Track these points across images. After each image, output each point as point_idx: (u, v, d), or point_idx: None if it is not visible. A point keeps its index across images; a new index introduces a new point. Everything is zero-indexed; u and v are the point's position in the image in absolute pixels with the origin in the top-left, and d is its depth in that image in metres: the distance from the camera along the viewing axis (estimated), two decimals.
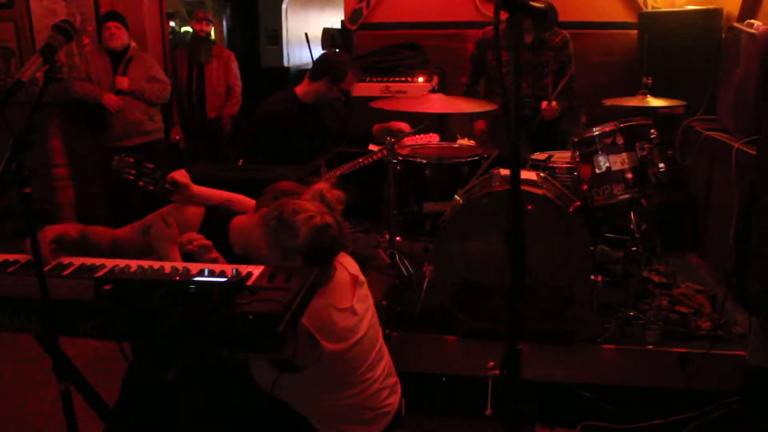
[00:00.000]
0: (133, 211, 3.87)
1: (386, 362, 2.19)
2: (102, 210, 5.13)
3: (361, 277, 2.16)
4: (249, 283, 1.73)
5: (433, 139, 3.85)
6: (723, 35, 4.14)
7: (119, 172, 2.21)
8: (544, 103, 3.94)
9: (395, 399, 2.18)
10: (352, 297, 2.07)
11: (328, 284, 2.02)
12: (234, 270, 1.75)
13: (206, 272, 1.72)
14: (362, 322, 2.07)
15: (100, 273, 1.84)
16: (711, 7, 4.42)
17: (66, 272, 1.88)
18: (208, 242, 1.99)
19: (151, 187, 2.21)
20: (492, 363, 1.75)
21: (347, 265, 2.16)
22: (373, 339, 2.13)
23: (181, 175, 2.25)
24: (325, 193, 2.01)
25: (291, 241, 1.91)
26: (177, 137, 5.62)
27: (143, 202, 2.35)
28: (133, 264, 1.89)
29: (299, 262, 1.91)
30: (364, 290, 2.16)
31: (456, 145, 3.79)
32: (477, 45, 4.20)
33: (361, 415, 2.07)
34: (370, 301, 2.18)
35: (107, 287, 1.59)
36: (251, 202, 2.21)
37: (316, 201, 1.99)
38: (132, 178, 2.21)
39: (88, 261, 1.96)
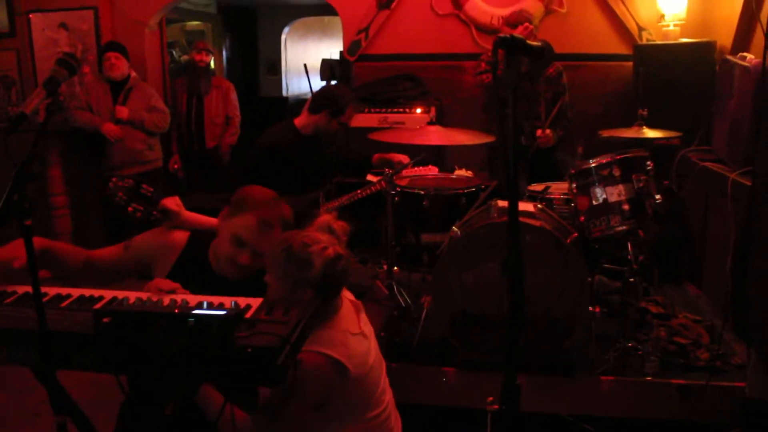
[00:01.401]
0: None
1: (390, 393, 2.20)
2: (100, 239, 5.13)
3: (358, 301, 2.19)
4: (247, 315, 1.73)
5: (432, 171, 3.88)
6: (717, 68, 4.20)
7: (112, 195, 2.20)
8: (539, 131, 3.97)
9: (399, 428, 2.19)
10: (358, 322, 2.08)
11: (338, 313, 2.03)
12: (233, 303, 1.75)
13: (205, 305, 1.72)
14: (371, 345, 2.10)
15: (99, 305, 1.84)
16: (704, 40, 4.49)
17: (64, 304, 1.88)
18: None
19: (138, 215, 2.19)
20: (491, 398, 1.74)
21: (345, 293, 2.16)
22: (381, 361, 2.15)
23: (172, 203, 2.25)
24: (331, 224, 2.03)
25: (303, 272, 1.91)
26: (176, 166, 5.64)
27: (141, 232, 2.37)
28: (132, 296, 1.89)
29: (310, 293, 1.91)
30: (364, 315, 2.17)
31: (453, 176, 3.81)
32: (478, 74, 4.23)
33: None
34: (370, 325, 2.19)
35: (106, 320, 1.59)
36: None
37: (324, 232, 2.00)
38: (122, 203, 2.19)
39: (87, 292, 1.96)
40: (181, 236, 2.25)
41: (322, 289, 1.93)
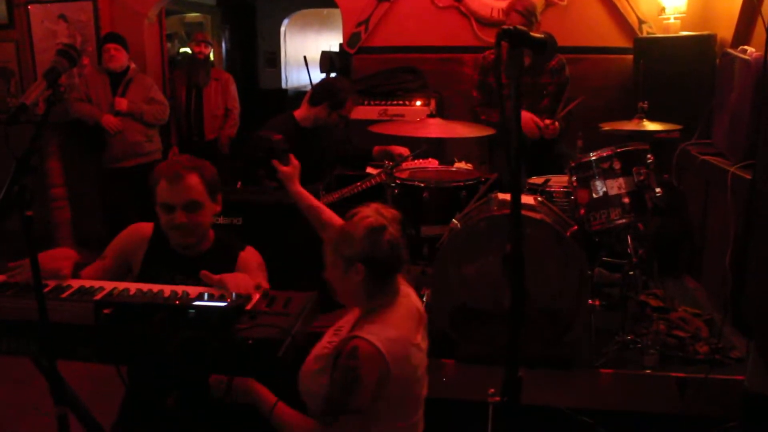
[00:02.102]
0: None
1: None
2: (99, 230, 5.12)
3: (425, 316, 2.10)
4: (248, 307, 1.73)
5: (432, 164, 3.87)
6: (717, 61, 4.19)
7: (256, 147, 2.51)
8: (548, 121, 3.94)
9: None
10: (417, 332, 2.02)
11: (400, 310, 1.99)
12: (234, 294, 1.75)
13: (206, 296, 1.72)
14: (423, 361, 2.02)
15: (99, 296, 1.84)
16: (705, 33, 4.47)
17: (65, 295, 1.88)
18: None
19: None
20: (492, 390, 1.74)
21: (414, 298, 2.11)
22: (425, 376, 2.06)
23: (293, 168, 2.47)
24: (381, 209, 2.01)
25: (349, 246, 1.92)
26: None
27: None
28: (132, 287, 1.89)
29: (360, 269, 1.89)
30: (424, 329, 2.08)
31: (453, 169, 3.81)
32: (480, 70, 4.19)
33: None
34: (427, 340, 2.09)
35: (107, 311, 1.59)
36: (338, 220, 2.29)
37: (371, 211, 2.00)
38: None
39: (87, 283, 1.96)
40: (146, 228, 2.31)
41: (371, 263, 1.90)
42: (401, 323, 1.95)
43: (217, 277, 1.90)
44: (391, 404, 1.89)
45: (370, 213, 1.97)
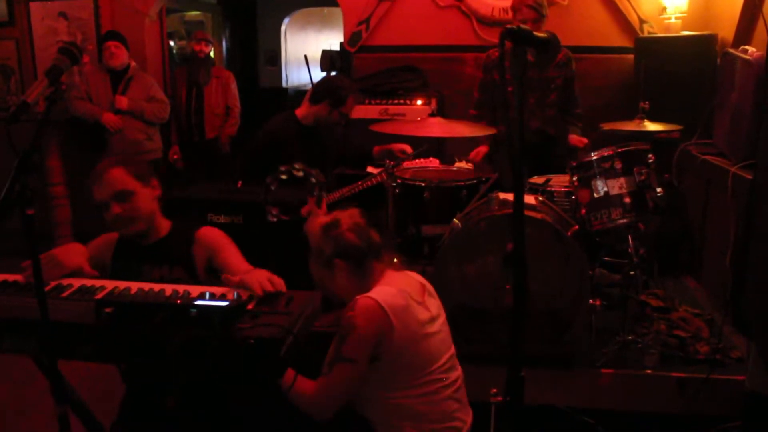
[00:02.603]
0: None
1: (460, 377, 2.22)
2: (98, 229, 5.10)
3: (431, 288, 2.27)
4: (250, 307, 1.73)
5: (432, 163, 3.86)
6: (718, 61, 4.19)
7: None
8: (586, 140, 3.98)
9: (466, 418, 2.19)
10: (423, 295, 2.18)
11: (397, 278, 2.17)
12: (235, 294, 1.74)
13: (207, 296, 1.72)
14: (435, 322, 2.15)
15: (100, 295, 1.84)
16: (706, 33, 4.47)
17: (65, 294, 1.88)
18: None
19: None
20: (495, 390, 1.74)
21: (414, 275, 2.29)
22: (446, 342, 2.20)
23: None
24: (336, 211, 2.25)
25: (320, 252, 2.16)
26: (175, 157, 5.63)
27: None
28: (134, 286, 1.89)
29: (342, 265, 2.12)
30: (436, 300, 2.26)
31: (454, 168, 3.80)
32: (485, 68, 4.13)
33: (427, 423, 2.07)
34: (443, 313, 2.26)
35: (108, 310, 1.59)
36: None
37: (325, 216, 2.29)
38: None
39: (88, 282, 1.96)
40: (113, 233, 2.42)
41: (345, 255, 2.12)
42: (399, 283, 2.13)
43: (236, 278, 1.93)
44: (400, 363, 2.01)
45: (323, 217, 2.24)
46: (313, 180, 2.85)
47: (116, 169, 2.26)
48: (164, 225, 2.37)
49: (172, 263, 2.28)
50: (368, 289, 2.08)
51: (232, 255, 2.26)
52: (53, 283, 1.94)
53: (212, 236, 2.33)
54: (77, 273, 2.09)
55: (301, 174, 2.90)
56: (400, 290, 2.08)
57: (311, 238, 2.19)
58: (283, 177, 2.85)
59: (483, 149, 3.84)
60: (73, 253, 2.15)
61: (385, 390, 2.04)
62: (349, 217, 2.20)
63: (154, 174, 2.38)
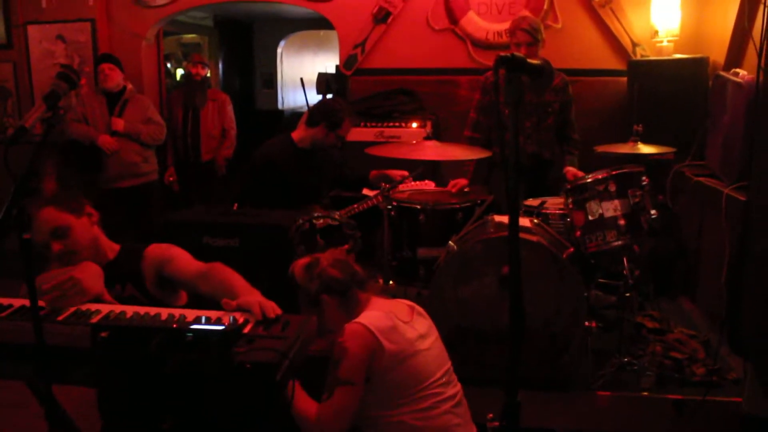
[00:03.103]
0: None
1: (459, 393, 2.27)
2: None
3: (421, 309, 2.36)
4: (245, 331, 1.73)
5: (428, 186, 3.88)
6: (710, 83, 4.23)
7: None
8: (572, 172, 3.95)
9: None
10: (411, 316, 2.27)
11: (382, 303, 2.27)
12: (231, 318, 1.74)
13: (203, 320, 1.71)
14: (425, 339, 2.23)
15: (96, 319, 1.83)
16: (698, 56, 4.52)
17: (61, 317, 1.87)
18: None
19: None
20: (491, 415, 1.75)
21: (403, 301, 2.40)
22: (439, 360, 2.25)
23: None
24: (314, 254, 2.40)
25: (307, 292, 2.27)
26: (171, 179, 5.64)
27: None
28: (129, 310, 1.89)
29: (329, 300, 2.23)
30: (426, 320, 2.34)
31: (449, 191, 3.81)
32: (483, 89, 4.08)
33: None
34: (435, 331, 2.33)
35: (103, 334, 1.58)
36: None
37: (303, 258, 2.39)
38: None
39: (83, 306, 1.95)
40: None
41: (330, 290, 2.24)
42: (384, 307, 2.23)
43: (234, 302, 1.92)
44: (393, 380, 2.09)
45: (304, 258, 2.35)
46: (349, 231, 2.94)
47: (46, 209, 2.23)
48: (113, 247, 2.39)
49: (123, 281, 2.29)
50: (356, 317, 2.17)
51: (181, 260, 2.27)
52: (48, 308, 1.93)
53: (160, 250, 2.34)
54: (96, 300, 2.05)
55: (336, 223, 3.06)
56: (385, 313, 2.18)
57: (298, 280, 2.31)
58: (318, 222, 2.93)
59: (462, 182, 3.82)
60: (95, 278, 2.11)
61: (383, 409, 2.10)
62: (330, 254, 2.34)
63: (86, 200, 2.36)
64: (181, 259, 2.28)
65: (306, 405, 2.07)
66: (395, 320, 2.17)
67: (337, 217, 3.10)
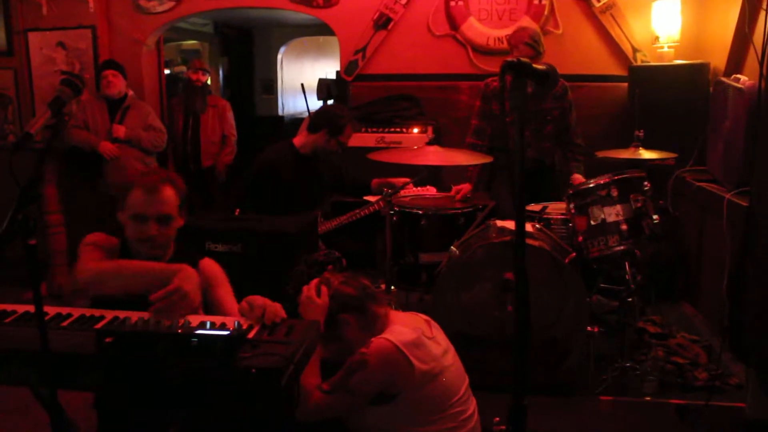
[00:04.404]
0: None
1: (475, 410, 2.25)
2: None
3: (434, 322, 2.32)
4: (250, 336, 1.73)
5: (429, 191, 3.88)
6: (711, 89, 4.24)
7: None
8: (578, 180, 3.95)
9: None
10: (431, 330, 2.24)
11: (401, 318, 2.24)
12: (236, 323, 1.74)
13: (208, 325, 1.71)
14: (447, 354, 2.21)
15: (101, 324, 1.83)
16: (698, 61, 4.54)
17: (65, 323, 1.87)
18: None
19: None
20: (497, 419, 1.75)
21: (418, 315, 2.36)
22: (461, 374, 2.24)
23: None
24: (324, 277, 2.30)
25: (332, 308, 2.18)
26: None
27: None
28: (134, 315, 1.88)
29: (348, 319, 2.17)
30: (441, 332, 2.30)
31: (451, 196, 3.82)
32: (484, 97, 4.08)
33: None
34: (450, 344, 2.30)
35: (109, 340, 1.58)
36: None
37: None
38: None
39: (88, 312, 1.95)
40: (110, 238, 2.24)
41: (347, 309, 2.17)
42: (408, 322, 2.20)
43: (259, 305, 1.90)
44: (422, 398, 2.07)
45: (311, 287, 2.23)
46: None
47: (169, 189, 2.16)
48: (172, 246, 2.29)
49: None
50: (380, 333, 2.13)
51: (226, 293, 2.23)
52: (52, 313, 1.93)
53: (213, 269, 2.28)
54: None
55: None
56: (412, 329, 2.14)
57: (312, 315, 2.16)
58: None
59: (466, 187, 3.83)
60: (197, 292, 2.03)
61: (409, 425, 2.08)
62: (334, 275, 2.29)
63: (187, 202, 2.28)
64: (226, 291, 2.23)
65: (311, 378, 2.03)
66: (422, 336, 2.13)
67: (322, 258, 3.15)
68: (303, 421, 1.98)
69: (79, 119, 5.05)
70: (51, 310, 1.94)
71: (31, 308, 1.88)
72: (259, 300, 1.91)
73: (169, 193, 2.16)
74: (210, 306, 2.20)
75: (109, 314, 1.91)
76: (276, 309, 1.89)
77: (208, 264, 2.29)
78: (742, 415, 2.79)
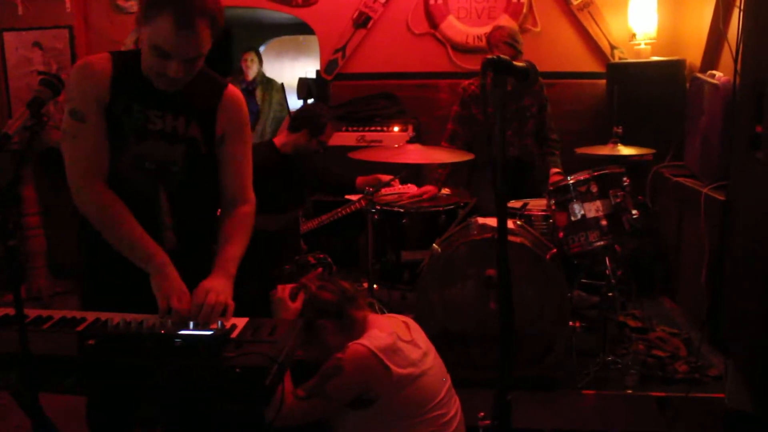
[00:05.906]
0: None
1: (459, 411, 2.25)
2: (73, 260, 5.03)
3: (414, 324, 2.33)
4: (233, 335, 1.72)
5: (410, 189, 3.89)
6: (687, 85, 4.30)
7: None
8: (554, 173, 4.03)
9: None
10: (410, 333, 2.23)
11: (380, 321, 2.23)
12: (219, 323, 1.74)
13: (191, 325, 1.70)
14: (427, 357, 2.20)
15: (82, 326, 1.81)
16: (675, 58, 4.60)
17: (46, 326, 1.85)
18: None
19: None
20: (482, 413, 1.76)
21: (397, 316, 2.39)
22: (440, 377, 2.23)
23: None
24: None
25: (306, 311, 2.19)
26: None
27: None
28: (116, 317, 1.87)
29: (326, 324, 2.18)
30: (421, 333, 2.30)
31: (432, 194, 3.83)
32: (462, 102, 4.10)
33: None
34: (432, 346, 2.30)
35: (90, 342, 1.57)
36: None
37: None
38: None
39: (69, 314, 1.93)
40: (102, 64, 1.94)
41: (324, 314, 2.18)
42: (386, 326, 2.18)
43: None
44: (400, 403, 2.07)
45: (287, 288, 2.23)
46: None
47: (206, 29, 1.80)
48: None
49: (191, 117, 1.97)
50: (358, 337, 2.13)
51: (238, 150, 2.17)
52: (32, 315, 1.91)
53: (239, 104, 2.05)
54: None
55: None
56: (389, 333, 2.13)
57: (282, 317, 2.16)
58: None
59: (433, 190, 3.84)
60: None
61: (388, 429, 2.09)
62: (312, 280, 2.31)
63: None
64: (243, 143, 2.20)
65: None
66: (398, 341, 2.13)
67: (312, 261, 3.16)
68: (278, 426, 1.97)
69: (57, 119, 4.99)
70: (31, 313, 1.92)
71: (10, 311, 1.87)
72: (211, 296, 1.81)
73: (204, 34, 1.81)
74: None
75: (91, 316, 1.89)
76: (215, 313, 1.80)
77: (235, 93, 2.06)
78: (721, 406, 2.83)
